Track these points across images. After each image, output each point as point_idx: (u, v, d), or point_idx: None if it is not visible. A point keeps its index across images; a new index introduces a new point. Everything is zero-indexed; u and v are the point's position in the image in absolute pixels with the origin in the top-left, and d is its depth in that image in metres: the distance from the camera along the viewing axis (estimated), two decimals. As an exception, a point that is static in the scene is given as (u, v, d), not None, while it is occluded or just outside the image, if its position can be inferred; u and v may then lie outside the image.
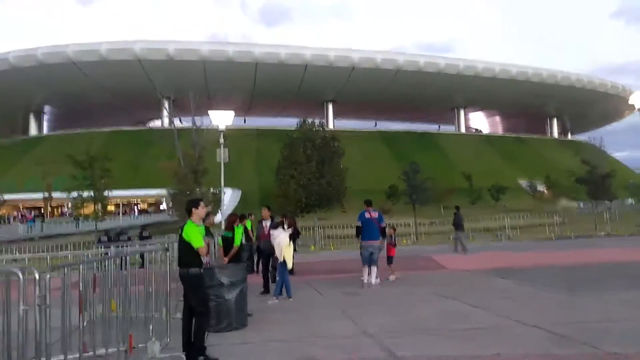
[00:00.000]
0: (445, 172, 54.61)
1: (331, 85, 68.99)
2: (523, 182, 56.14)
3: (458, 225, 17.00)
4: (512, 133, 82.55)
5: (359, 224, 9.68)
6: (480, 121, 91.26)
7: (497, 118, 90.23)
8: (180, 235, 5.21)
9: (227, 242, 8.42)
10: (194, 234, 5.16)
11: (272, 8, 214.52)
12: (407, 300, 8.23)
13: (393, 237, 11.27)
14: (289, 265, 8.51)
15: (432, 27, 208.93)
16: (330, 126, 70.68)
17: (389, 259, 10.88)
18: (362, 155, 58.89)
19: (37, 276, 3.80)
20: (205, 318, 5.16)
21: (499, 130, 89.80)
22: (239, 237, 8.54)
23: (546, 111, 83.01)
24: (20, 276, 3.80)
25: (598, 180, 35.23)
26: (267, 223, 10.00)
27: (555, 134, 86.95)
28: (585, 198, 40.04)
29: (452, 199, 43.72)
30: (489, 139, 78.92)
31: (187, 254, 5.16)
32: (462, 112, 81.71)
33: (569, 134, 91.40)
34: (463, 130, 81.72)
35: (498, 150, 71.49)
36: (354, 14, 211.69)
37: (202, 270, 5.23)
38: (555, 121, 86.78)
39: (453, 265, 12.71)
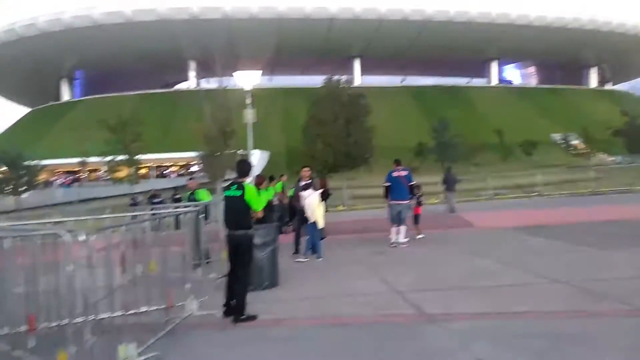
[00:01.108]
0: (475, 127, 53.35)
1: (358, 39, 67.22)
2: (556, 136, 54.32)
3: (449, 185, 16.63)
4: (547, 84, 78.98)
5: (387, 184, 9.62)
6: (513, 73, 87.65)
7: (532, 69, 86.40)
8: (238, 197, 5.24)
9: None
10: (256, 197, 5.30)
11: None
12: (435, 258, 8.30)
13: (418, 196, 11.17)
14: (320, 225, 8.65)
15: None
16: (357, 83, 69.39)
17: (416, 218, 10.89)
18: (390, 112, 57.88)
19: (82, 238, 4.02)
20: (249, 278, 5.40)
21: (533, 82, 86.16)
22: (265, 200, 8.59)
23: (585, 60, 78.71)
24: (67, 238, 4.02)
25: (637, 132, 33.69)
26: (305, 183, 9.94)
27: (594, 84, 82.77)
28: (623, 151, 38.51)
29: (482, 156, 42.95)
30: (521, 91, 75.94)
31: (246, 216, 5.28)
32: (494, 64, 78.52)
33: (609, 84, 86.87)
34: (495, 83, 78.81)
35: (531, 103, 68.85)
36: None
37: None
38: (594, 71, 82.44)
39: (482, 223, 12.64)
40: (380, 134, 43.76)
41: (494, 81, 78.88)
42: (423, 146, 40.79)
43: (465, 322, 4.62)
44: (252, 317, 5.13)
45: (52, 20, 60.80)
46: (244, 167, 5.60)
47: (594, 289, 5.52)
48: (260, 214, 5.42)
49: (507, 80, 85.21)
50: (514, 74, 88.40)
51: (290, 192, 12.56)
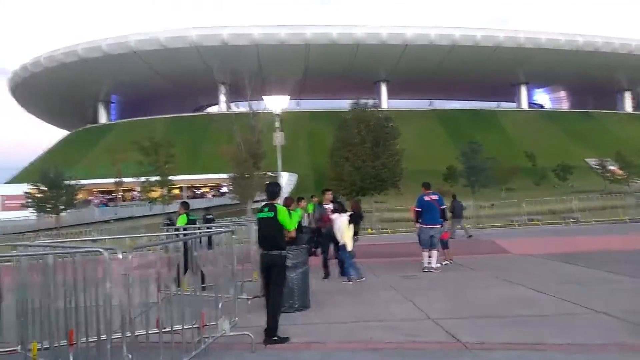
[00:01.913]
0: (506, 151, 52.48)
1: (384, 63, 67.82)
2: (591, 161, 52.82)
3: (455, 212, 16.21)
4: (578, 108, 77.34)
5: (419, 209, 9.52)
6: (543, 97, 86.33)
7: (562, 93, 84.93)
8: (271, 218, 5.40)
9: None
10: (288, 218, 5.48)
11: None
12: (469, 284, 8.11)
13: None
14: (348, 248, 8.62)
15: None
16: (384, 106, 69.66)
17: (444, 243, 10.71)
18: (417, 136, 57.65)
19: (120, 256, 4.13)
20: (282, 299, 5.54)
21: (565, 106, 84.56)
22: (295, 221, 8.63)
23: (617, 84, 77.08)
24: (106, 256, 4.14)
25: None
26: (329, 206, 9.94)
27: (628, 108, 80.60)
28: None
29: (514, 180, 42.11)
30: (553, 115, 74.63)
31: (280, 236, 5.44)
32: (523, 88, 77.58)
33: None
34: (525, 106, 77.70)
35: (563, 127, 67.50)
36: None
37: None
38: (627, 94, 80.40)
39: (517, 249, 12.29)
40: (409, 157, 43.50)
41: (524, 105, 77.82)
42: (452, 170, 40.29)
43: (501, 353, 4.48)
44: (284, 339, 5.14)
45: (91, 48, 63.80)
46: (273, 189, 5.78)
47: (635, 321, 5.27)
48: (293, 234, 5.58)
49: (537, 104, 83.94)
50: (544, 98, 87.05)
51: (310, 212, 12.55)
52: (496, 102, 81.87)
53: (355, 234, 8.68)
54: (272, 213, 5.42)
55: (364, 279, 8.47)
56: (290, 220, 5.50)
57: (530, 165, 48.84)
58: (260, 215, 5.56)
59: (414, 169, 41.03)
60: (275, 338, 5.13)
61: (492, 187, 33.31)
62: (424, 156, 53.16)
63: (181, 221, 9.22)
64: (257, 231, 5.74)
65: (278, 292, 5.38)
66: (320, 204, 10.35)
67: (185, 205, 9.77)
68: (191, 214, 9.45)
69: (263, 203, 5.90)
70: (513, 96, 79.17)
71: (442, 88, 77.09)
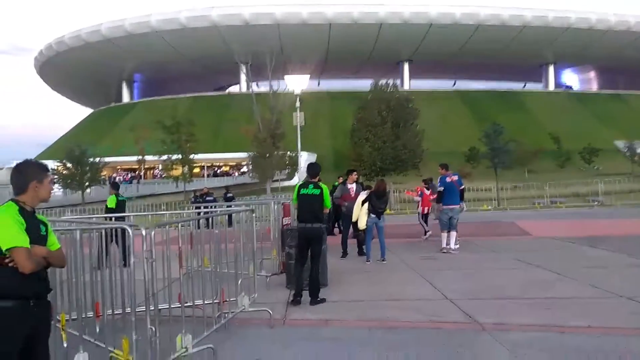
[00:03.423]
0: (530, 133, 51.30)
1: (407, 43, 66.51)
2: (620, 144, 51.21)
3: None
4: (608, 89, 74.65)
5: (441, 188, 9.46)
6: (572, 77, 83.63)
7: (592, 73, 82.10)
8: (317, 195, 5.97)
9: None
10: (328, 196, 6.13)
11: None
12: (488, 266, 8.06)
13: None
14: (360, 225, 8.67)
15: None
16: (406, 87, 68.62)
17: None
18: (440, 117, 56.83)
19: (143, 232, 4.24)
20: (321, 265, 6.20)
21: (594, 87, 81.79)
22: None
23: (651, 64, 74.00)
24: (130, 232, 4.26)
25: None
26: (352, 186, 9.91)
27: (662, 89, 77.51)
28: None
29: (538, 162, 41.30)
30: (581, 96, 72.33)
31: (322, 211, 6.04)
32: (551, 69, 75.22)
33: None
34: (552, 87, 75.46)
35: (591, 109, 65.43)
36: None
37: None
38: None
39: (538, 231, 12.14)
40: (430, 138, 43.03)
41: (551, 86, 75.61)
42: (475, 151, 39.67)
43: (520, 334, 4.46)
44: (323, 300, 5.80)
45: (114, 27, 64.27)
46: (315, 169, 6.33)
47: (661, 306, 5.18)
48: (327, 211, 6.28)
49: (565, 85, 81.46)
50: (573, 79, 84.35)
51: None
52: (522, 83, 79.74)
53: (376, 212, 8.63)
54: (319, 190, 5.99)
55: (369, 262, 8.47)
56: (329, 198, 6.14)
57: (554, 148, 47.72)
58: (305, 191, 6.02)
59: (436, 150, 40.54)
60: (319, 299, 5.76)
61: (514, 169, 32.68)
62: (446, 137, 52.43)
63: (110, 202, 9.36)
64: (300, 206, 6.12)
65: (319, 260, 6.02)
66: (344, 183, 10.43)
67: (114, 186, 10.20)
68: (121, 195, 9.62)
69: (304, 180, 6.38)
70: (540, 77, 76.93)
71: (466, 68, 75.36)
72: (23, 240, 2.29)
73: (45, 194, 2.56)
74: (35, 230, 2.43)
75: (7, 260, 2.26)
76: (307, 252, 5.98)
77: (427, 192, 11.76)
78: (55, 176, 32.47)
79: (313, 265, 5.92)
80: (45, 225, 2.56)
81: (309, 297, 5.86)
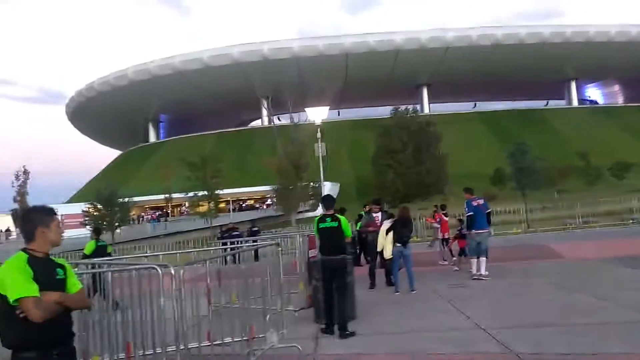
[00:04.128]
0: (556, 151, 50.23)
1: (424, 68, 66.90)
2: (653, 157, 49.56)
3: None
4: (634, 102, 72.91)
5: (471, 213, 9.24)
6: (595, 92, 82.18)
7: (616, 87, 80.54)
8: (336, 227, 6.16)
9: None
10: (348, 226, 6.34)
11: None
12: (521, 292, 7.81)
13: (462, 227, 10.79)
14: (385, 254, 8.56)
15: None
16: (426, 110, 68.68)
17: (462, 251, 10.70)
18: (462, 139, 56.37)
19: (172, 272, 4.32)
20: (349, 297, 6.30)
21: (619, 101, 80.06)
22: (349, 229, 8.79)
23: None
24: (160, 271, 4.34)
25: None
26: (378, 215, 9.83)
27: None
28: None
29: (566, 181, 40.28)
30: (606, 110, 70.78)
31: (343, 242, 6.25)
32: (573, 84, 74.22)
33: None
34: (575, 103, 74.22)
35: (618, 123, 63.82)
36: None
37: None
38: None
39: (572, 253, 11.76)
40: (454, 161, 42.68)
41: (575, 102, 74.41)
42: (500, 173, 39.00)
43: (560, 363, 4.29)
44: (353, 333, 5.76)
45: (139, 71, 66.93)
46: (330, 202, 6.58)
47: None
48: (349, 240, 6.50)
49: (590, 100, 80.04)
50: (596, 93, 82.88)
51: (358, 225, 12.66)
52: (544, 101, 78.79)
53: (403, 241, 8.53)
54: (337, 223, 6.18)
55: (398, 293, 8.31)
56: (349, 228, 6.36)
57: (582, 165, 46.51)
58: (324, 225, 6.24)
59: (460, 173, 40.09)
60: (347, 332, 5.73)
61: (542, 190, 31.87)
62: (470, 160, 51.81)
63: (88, 248, 9.18)
64: (321, 239, 6.32)
65: (347, 291, 6.12)
66: (369, 212, 10.45)
67: (96, 231, 9.88)
68: (100, 240, 9.41)
69: (321, 213, 6.55)
70: (562, 93, 75.90)
71: (486, 89, 75.08)
72: (29, 290, 2.26)
73: (55, 238, 2.53)
74: (49, 276, 2.40)
75: (17, 312, 2.26)
76: (332, 284, 6.06)
77: (446, 219, 12.03)
78: (87, 218, 33.35)
79: (339, 298, 5.98)
80: (64, 268, 2.53)
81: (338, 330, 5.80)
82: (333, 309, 5.95)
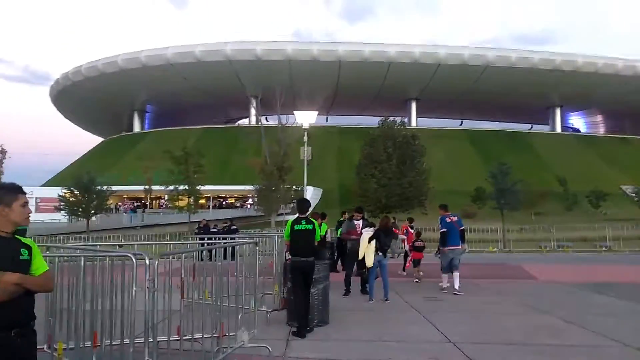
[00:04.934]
0: (537, 174, 51.25)
1: (415, 82, 67.64)
2: (628, 188, 50.90)
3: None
4: (615, 134, 74.91)
5: (444, 230, 9.42)
6: (578, 121, 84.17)
7: (598, 117, 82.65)
8: (311, 230, 6.34)
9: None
10: (319, 231, 6.54)
11: (355, 3, 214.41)
12: (492, 309, 7.92)
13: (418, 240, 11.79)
14: (367, 263, 8.54)
15: (524, 17, 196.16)
16: (413, 124, 69.36)
17: (416, 262, 11.31)
18: (446, 155, 57.09)
19: (147, 262, 4.24)
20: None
21: (601, 131, 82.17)
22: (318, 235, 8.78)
23: (658, 109, 74.41)
24: (134, 261, 4.26)
25: None
26: (359, 222, 9.88)
27: (670, 134, 77.58)
28: None
29: (544, 204, 41.04)
30: (588, 139, 72.58)
31: (314, 245, 6.42)
32: (557, 111, 75.93)
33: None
34: (559, 130, 75.88)
35: (598, 152, 65.49)
36: (439, 6, 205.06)
37: None
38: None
39: (544, 275, 11.97)
40: (437, 176, 43.14)
41: (558, 128, 76.08)
42: (481, 191, 39.59)
43: (525, 381, 4.35)
44: (312, 329, 6.17)
45: (130, 59, 66.08)
46: (304, 205, 6.70)
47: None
48: (316, 244, 6.54)
49: (572, 128, 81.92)
50: (579, 122, 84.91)
51: (339, 232, 12.71)
52: (529, 124, 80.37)
53: (383, 250, 8.59)
54: (311, 226, 6.36)
55: (372, 301, 8.34)
56: (319, 233, 6.52)
57: (561, 190, 47.52)
58: (299, 227, 6.36)
59: (442, 189, 40.51)
60: (308, 328, 6.11)
61: (521, 211, 32.45)
62: (453, 176, 52.46)
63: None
64: (294, 241, 6.41)
65: (309, 292, 6.35)
66: (350, 219, 10.50)
67: None
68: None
69: (296, 216, 6.59)
70: (547, 119, 77.56)
71: (473, 108, 76.27)
72: None
73: (18, 218, 2.43)
74: (10, 256, 2.33)
75: None
76: (303, 284, 6.25)
77: (412, 231, 12.58)
78: (62, 203, 32.65)
79: (306, 295, 6.25)
80: (30, 249, 2.45)
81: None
82: (305, 312, 6.13)
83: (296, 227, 6.38)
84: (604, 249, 20.87)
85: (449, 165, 55.07)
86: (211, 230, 15.95)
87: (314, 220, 6.48)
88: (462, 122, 79.30)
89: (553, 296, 9.24)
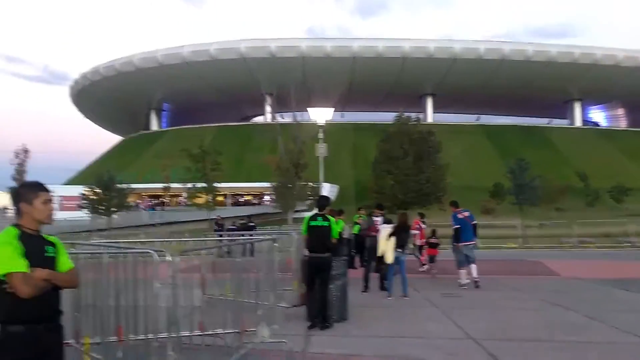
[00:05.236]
0: (556, 170, 50.40)
1: (430, 77, 67.07)
2: (651, 182, 49.73)
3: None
4: (637, 127, 73.14)
5: (457, 226, 9.49)
6: (599, 114, 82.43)
7: (620, 111, 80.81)
8: (326, 226, 6.35)
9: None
10: (336, 227, 6.47)
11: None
12: (513, 305, 7.84)
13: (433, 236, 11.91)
14: (387, 260, 8.54)
15: (542, 10, 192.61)
16: (429, 120, 68.84)
17: (432, 258, 11.45)
18: (463, 151, 56.52)
19: (169, 258, 4.31)
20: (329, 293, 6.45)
21: (622, 124, 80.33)
22: (336, 232, 8.80)
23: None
24: (156, 257, 4.33)
25: None
26: (379, 219, 10.00)
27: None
28: None
29: (564, 200, 40.39)
30: (608, 133, 71.05)
31: (330, 242, 6.37)
32: (577, 105, 74.45)
33: None
34: (578, 124, 74.43)
35: (620, 146, 64.08)
36: (454, 0, 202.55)
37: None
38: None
39: (566, 272, 11.79)
40: (454, 172, 42.73)
41: (578, 122, 74.64)
42: (499, 187, 39.09)
43: (548, 378, 4.30)
44: (330, 325, 6.20)
45: (146, 58, 66.90)
46: (324, 201, 6.76)
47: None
48: (335, 241, 6.50)
49: (592, 122, 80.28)
50: (600, 116, 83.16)
51: (355, 228, 12.71)
52: (547, 119, 79.01)
53: (402, 247, 8.61)
54: (327, 222, 6.37)
55: (390, 297, 8.33)
56: (336, 229, 6.47)
57: (582, 186, 46.64)
58: (315, 223, 6.41)
59: (459, 185, 40.20)
60: (328, 324, 6.15)
61: (541, 207, 31.94)
62: (470, 172, 51.94)
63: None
64: (309, 237, 6.47)
65: (328, 288, 6.34)
66: (370, 215, 10.57)
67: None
68: None
69: (313, 212, 6.68)
70: (566, 113, 76.18)
71: (490, 103, 75.32)
72: (18, 265, 2.25)
73: (39, 215, 2.44)
74: (39, 253, 2.38)
75: (5, 286, 2.24)
76: (318, 280, 6.31)
77: (424, 227, 12.65)
78: (84, 201, 33.30)
79: (323, 291, 6.26)
80: (55, 246, 2.49)
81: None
82: (322, 308, 6.22)
83: (312, 223, 6.44)
84: (627, 244, 20.44)
85: (466, 161, 54.52)
86: (230, 227, 16.09)
87: (330, 217, 6.47)
88: (478, 117, 78.39)
89: (574, 292, 9.10)
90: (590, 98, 73.70)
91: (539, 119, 78.71)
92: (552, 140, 65.34)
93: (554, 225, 25.22)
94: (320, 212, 6.52)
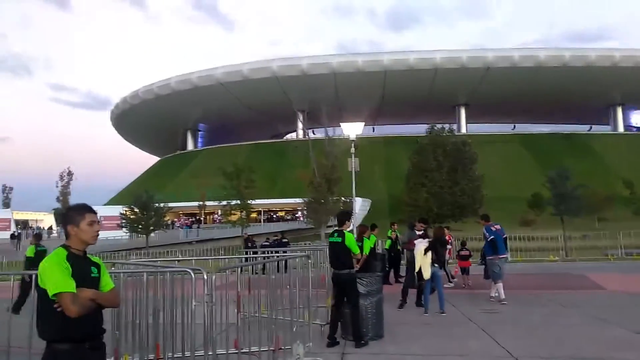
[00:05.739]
0: (599, 178, 48.40)
1: (463, 87, 66.18)
2: None
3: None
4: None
5: (493, 237, 9.32)
6: (642, 118, 78.91)
7: (667, 114, 77.14)
8: (340, 242, 6.26)
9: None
10: (354, 242, 6.31)
11: (400, 12, 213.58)
12: (557, 322, 7.51)
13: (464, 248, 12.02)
14: (424, 275, 8.38)
15: (578, 14, 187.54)
16: (463, 130, 67.77)
17: (465, 270, 11.48)
18: (500, 161, 55.19)
19: (205, 277, 4.40)
20: (360, 310, 6.27)
21: (669, 129, 76.57)
22: (367, 247, 8.74)
23: None
24: (193, 276, 4.42)
25: None
26: (420, 233, 9.89)
27: None
28: None
29: (609, 209, 38.68)
30: (656, 138, 67.76)
31: (348, 258, 6.24)
32: (619, 110, 71.54)
33: None
34: (621, 129, 71.43)
35: (668, 151, 60.94)
36: (486, 9, 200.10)
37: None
38: None
39: (613, 285, 11.22)
40: (490, 183, 41.73)
41: (620, 128, 71.64)
42: (538, 197, 37.81)
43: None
44: (366, 343, 6.06)
45: (182, 81, 69.15)
46: (342, 216, 6.69)
47: None
48: (359, 256, 6.42)
49: (636, 127, 76.88)
50: (644, 120, 79.57)
51: (387, 243, 12.57)
52: (588, 125, 76.24)
53: (439, 262, 8.47)
54: (340, 238, 6.28)
55: (427, 314, 8.14)
56: (355, 244, 6.28)
57: (627, 194, 44.51)
58: (332, 239, 6.42)
59: (496, 196, 39.20)
60: (362, 342, 6.01)
61: (583, 217, 30.62)
62: (507, 182, 50.58)
63: (29, 252, 9.60)
64: (329, 253, 6.54)
65: (356, 305, 6.17)
66: (411, 228, 10.51)
67: (37, 237, 10.29)
68: (40, 245, 9.74)
69: (334, 229, 6.64)
70: (607, 119, 73.29)
71: (526, 111, 73.43)
72: (68, 286, 2.34)
73: (86, 237, 2.55)
74: (85, 273, 2.48)
75: (55, 306, 2.34)
76: (342, 297, 6.23)
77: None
78: (124, 220, 34.38)
79: (351, 310, 6.17)
80: (98, 266, 2.60)
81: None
82: (353, 325, 6.12)
83: (330, 240, 6.50)
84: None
85: (503, 172, 53.18)
86: (263, 243, 16.23)
87: (346, 233, 6.40)
88: (514, 125, 76.51)
89: (623, 307, 8.64)
90: (632, 102, 70.73)
91: (579, 125, 76.07)
92: (593, 147, 62.93)
93: (597, 237, 24.08)
94: (339, 228, 6.47)
